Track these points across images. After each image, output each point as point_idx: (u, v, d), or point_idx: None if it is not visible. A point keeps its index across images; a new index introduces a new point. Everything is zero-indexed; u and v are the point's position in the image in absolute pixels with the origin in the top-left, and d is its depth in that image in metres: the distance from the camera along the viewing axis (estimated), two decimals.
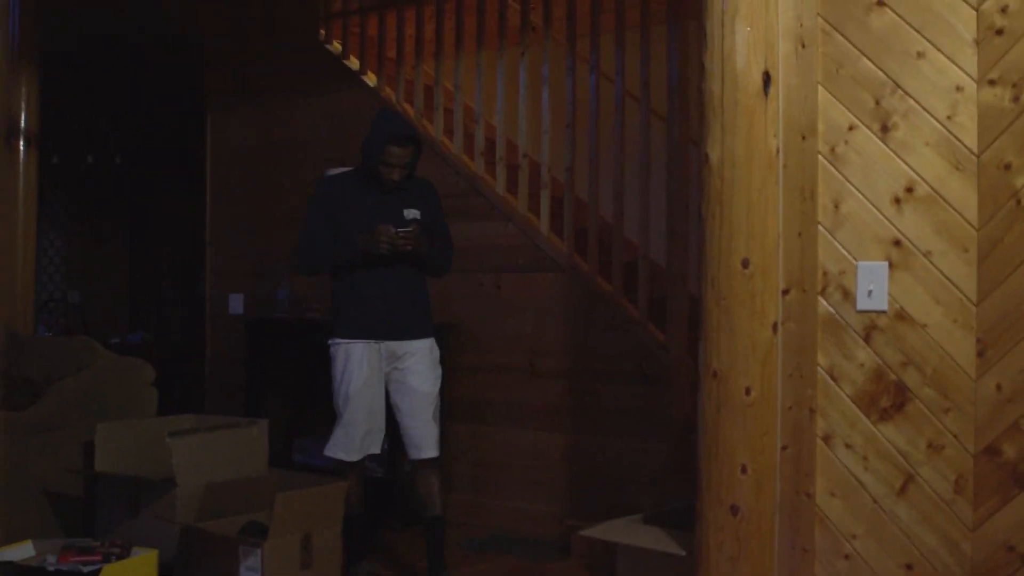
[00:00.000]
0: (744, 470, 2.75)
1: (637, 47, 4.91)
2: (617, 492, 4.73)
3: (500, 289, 5.27)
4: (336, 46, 6.08)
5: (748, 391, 2.75)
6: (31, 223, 5.71)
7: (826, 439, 2.83)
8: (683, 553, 3.02)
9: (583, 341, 4.98)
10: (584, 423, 4.95)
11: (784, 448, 2.78)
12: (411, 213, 4.12)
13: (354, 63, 5.99)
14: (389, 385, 4.16)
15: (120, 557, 3.52)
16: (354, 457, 4.08)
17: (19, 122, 5.60)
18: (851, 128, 2.79)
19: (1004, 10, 2.61)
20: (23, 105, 5.62)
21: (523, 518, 5.10)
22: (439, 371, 4.21)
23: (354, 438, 4.07)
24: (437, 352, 4.23)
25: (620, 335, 4.85)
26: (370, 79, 5.91)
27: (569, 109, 5.11)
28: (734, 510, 2.75)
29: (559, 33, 5.44)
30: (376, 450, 4.21)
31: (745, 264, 2.76)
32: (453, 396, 5.02)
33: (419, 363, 4.13)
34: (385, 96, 5.77)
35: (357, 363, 4.07)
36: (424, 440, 4.11)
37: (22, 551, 3.63)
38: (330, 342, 4.14)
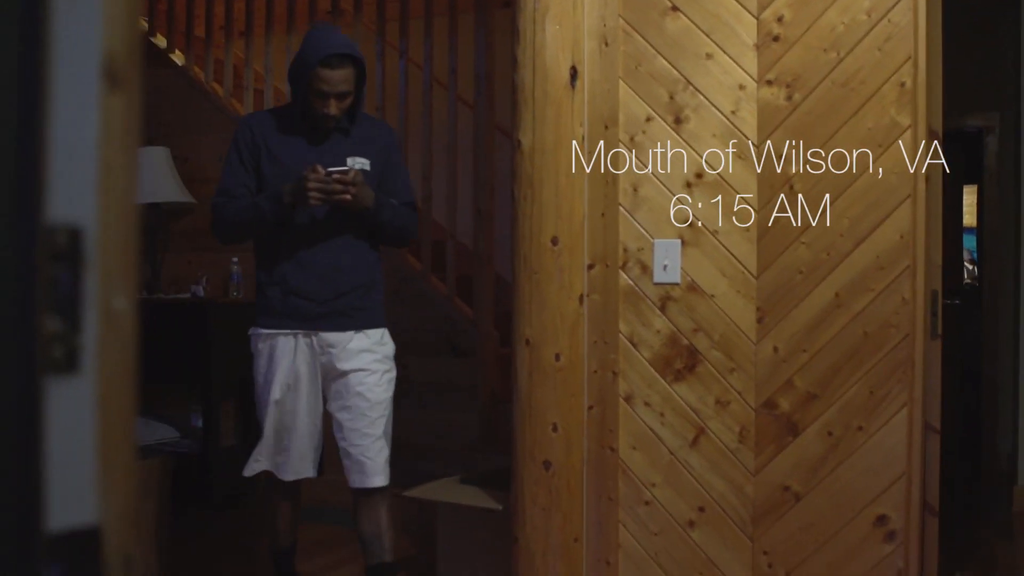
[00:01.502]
0: (555, 429, 3.02)
1: (446, 34, 5.12)
2: (429, 462, 4.94)
3: None
4: (142, 23, 6.01)
5: (558, 357, 3.02)
6: None
7: (627, 399, 3.13)
8: (500, 507, 3.28)
9: (393, 318, 5.16)
10: (395, 395, 5.13)
11: (591, 408, 3.07)
12: (357, 162, 3.26)
13: (161, 41, 5.94)
14: (326, 390, 3.33)
15: None
16: (286, 477, 3.31)
17: None
18: (648, 119, 3.09)
19: (780, 20, 2.96)
20: None
21: (335, 489, 5.24)
22: (393, 372, 3.40)
23: (283, 455, 3.29)
24: (391, 346, 3.41)
25: (429, 311, 5.06)
26: (178, 58, 5.88)
27: (379, 93, 5.27)
28: (547, 465, 3.02)
29: (369, 18, 5.59)
30: (311, 473, 3.36)
31: (554, 242, 3.02)
32: None
33: (366, 361, 3.29)
34: (194, 76, 5.77)
35: (284, 360, 3.25)
36: (371, 464, 3.27)
37: None
38: (250, 332, 3.34)
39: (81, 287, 0.73)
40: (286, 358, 3.24)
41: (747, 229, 2.99)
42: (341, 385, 3.28)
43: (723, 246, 3.01)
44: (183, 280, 5.66)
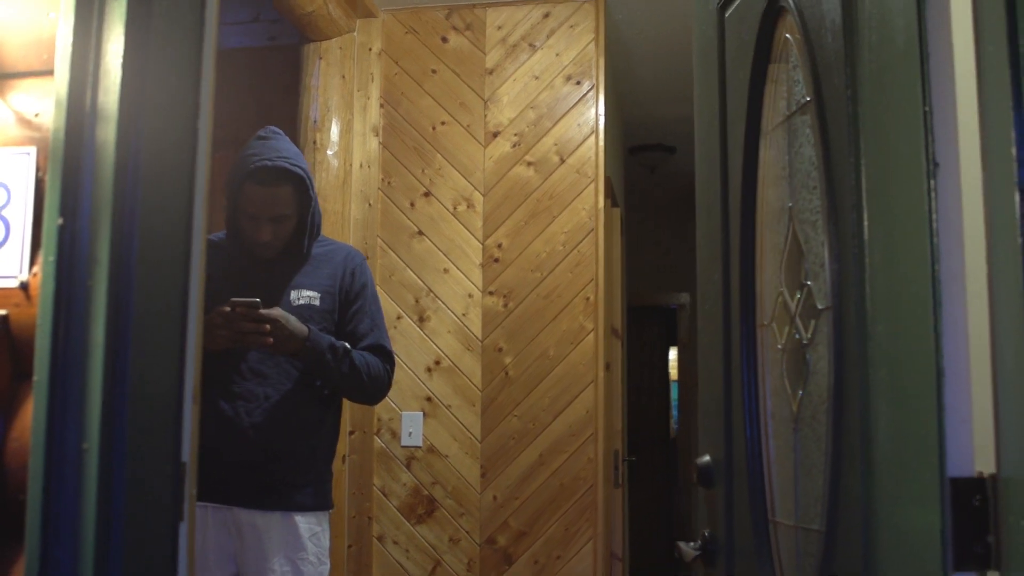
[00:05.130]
0: None
1: None
2: None
3: None
4: None
5: None
6: None
7: (379, 538, 3.90)
8: None
9: None
10: None
11: (350, 547, 3.83)
12: (301, 295, 2.68)
13: None
14: None
15: None
16: None
17: None
18: (399, 318, 3.96)
19: (500, 246, 3.94)
20: None
21: None
22: (326, 566, 2.67)
23: None
24: (326, 538, 2.70)
25: None
26: None
27: None
28: None
29: None
30: None
31: None
32: None
33: (290, 551, 2.59)
34: None
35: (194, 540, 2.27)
36: None
37: None
38: None
39: None
40: (199, 536, 2.50)
41: (473, 404, 3.89)
42: None
43: (455, 417, 3.89)
44: None
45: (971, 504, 1.19)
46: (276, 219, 2.63)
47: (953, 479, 1.20)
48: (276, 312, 2.51)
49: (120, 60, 1.34)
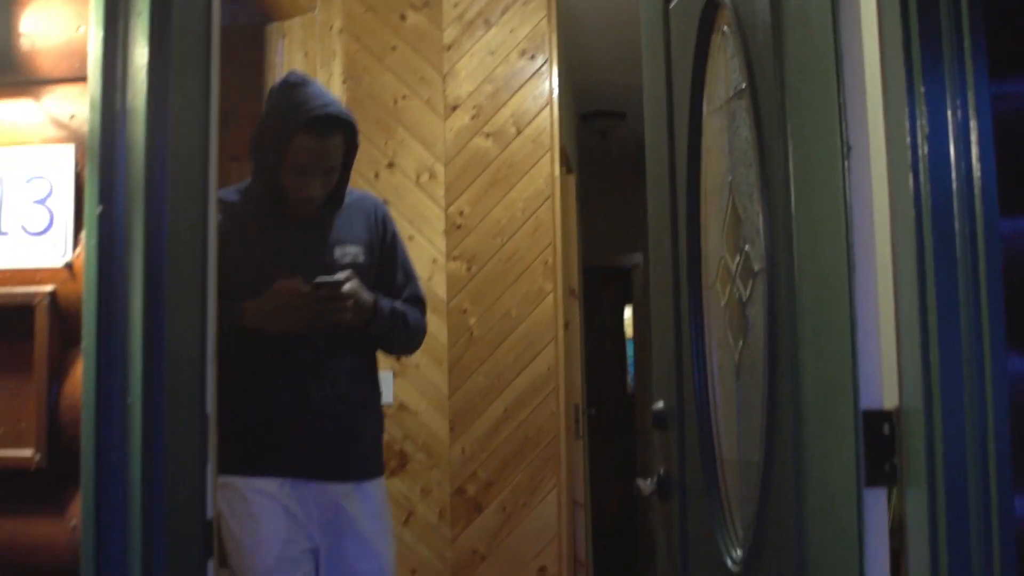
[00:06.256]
0: None
1: None
2: None
3: None
4: None
5: None
6: None
7: None
8: None
9: None
10: None
11: None
12: (346, 252, 2.55)
13: None
14: (321, 559, 2.50)
15: None
16: None
17: None
18: None
19: (462, 213, 4.15)
20: None
21: None
22: (392, 528, 2.67)
23: None
24: (387, 499, 2.70)
25: None
26: None
27: None
28: None
29: None
30: None
31: None
32: None
33: (369, 519, 2.55)
34: None
35: (267, 517, 2.43)
36: None
37: None
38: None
39: None
40: (272, 513, 2.46)
41: (441, 363, 4.11)
42: (339, 555, 2.53)
43: (424, 375, 4.12)
44: None
45: (880, 432, 1.44)
46: (327, 171, 2.50)
47: (865, 412, 1.44)
48: (355, 285, 2.44)
49: (145, 65, 1.54)
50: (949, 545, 1.29)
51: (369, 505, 2.54)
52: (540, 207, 4.13)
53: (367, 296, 2.49)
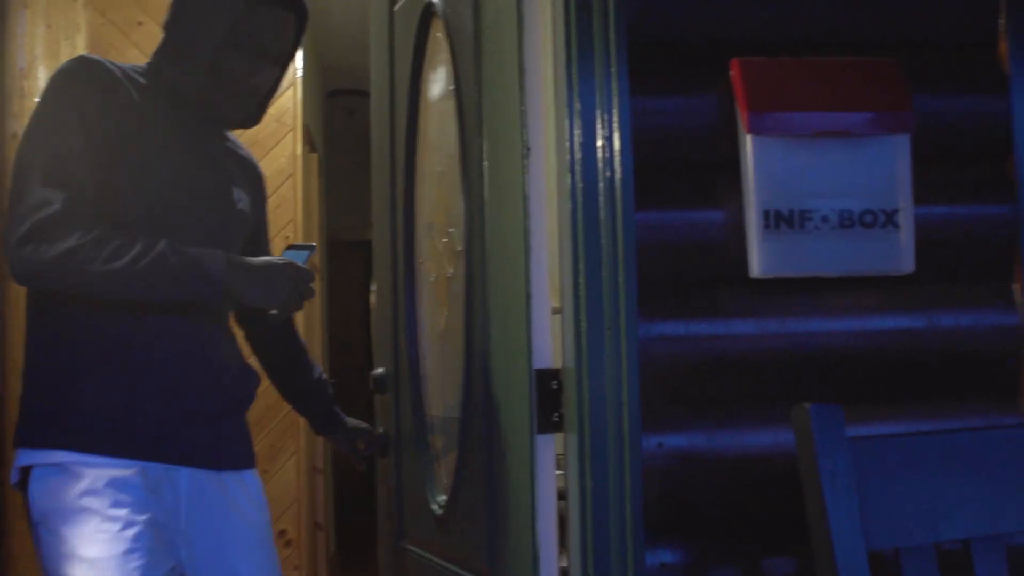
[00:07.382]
0: None
1: None
2: None
3: None
4: None
5: None
6: None
7: None
8: None
9: None
10: None
11: None
12: (241, 198, 1.99)
13: None
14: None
15: None
16: None
17: None
18: None
19: None
20: None
21: None
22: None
23: None
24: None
25: None
26: None
27: None
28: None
29: None
30: None
31: None
32: None
33: (252, 519, 1.97)
34: None
35: (121, 511, 1.72)
36: None
37: None
38: (31, 463, 1.75)
39: None
40: (129, 506, 1.74)
41: None
42: (215, 554, 1.91)
43: None
44: None
45: (550, 388, 1.73)
46: (280, 60, 2.00)
47: (538, 370, 1.73)
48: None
49: None
50: (593, 477, 1.59)
51: (250, 493, 2.00)
52: (282, 185, 4.27)
53: None
